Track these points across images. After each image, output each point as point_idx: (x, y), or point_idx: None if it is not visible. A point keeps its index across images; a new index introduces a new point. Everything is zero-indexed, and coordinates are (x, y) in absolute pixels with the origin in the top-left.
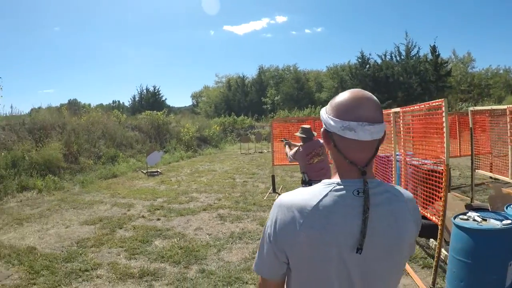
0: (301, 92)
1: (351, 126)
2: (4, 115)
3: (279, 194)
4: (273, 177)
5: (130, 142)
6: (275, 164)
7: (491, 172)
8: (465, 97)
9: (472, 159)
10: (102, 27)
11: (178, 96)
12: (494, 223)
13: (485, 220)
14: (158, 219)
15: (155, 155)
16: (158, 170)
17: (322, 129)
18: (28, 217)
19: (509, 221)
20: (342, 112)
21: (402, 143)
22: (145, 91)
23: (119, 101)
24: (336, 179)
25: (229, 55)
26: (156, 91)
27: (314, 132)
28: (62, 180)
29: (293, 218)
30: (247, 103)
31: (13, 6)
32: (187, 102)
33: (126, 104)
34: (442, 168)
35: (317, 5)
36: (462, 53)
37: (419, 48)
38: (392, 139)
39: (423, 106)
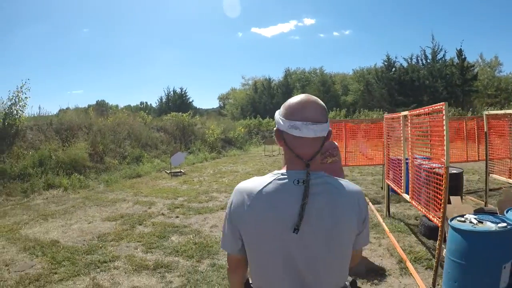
0: (327, 95)
1: (296, 125)
2: (32, 115)
3: None
4: None
5: (155, 143)
6: None
7: (509, 177)
8: (491, 102)
9: (486, 164)
10: (130, 29)
11: (205, 98)
12: (489, 225)
13: (482, 222)
14: (177, 217)
15: (179, 156)
16: (181, 170)
17: (274, 128)
18: (53, 213)
19: (504, 224)
20: (289, 114)
21: (410, 146)
22: (172, 92)
23: (146, 103)
24: (283, 170)
25: (256, 57)
26: (183, 92)
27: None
28: (87, 179)
29: (243, 201)
30: (273, 105)
31: (42, 9)
32: (214, 104)
33: (154, 105)
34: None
35: (346, 8)
36: (489, 57)
37: (445, 51)
38: (402, 142)
39: (427, 109)
